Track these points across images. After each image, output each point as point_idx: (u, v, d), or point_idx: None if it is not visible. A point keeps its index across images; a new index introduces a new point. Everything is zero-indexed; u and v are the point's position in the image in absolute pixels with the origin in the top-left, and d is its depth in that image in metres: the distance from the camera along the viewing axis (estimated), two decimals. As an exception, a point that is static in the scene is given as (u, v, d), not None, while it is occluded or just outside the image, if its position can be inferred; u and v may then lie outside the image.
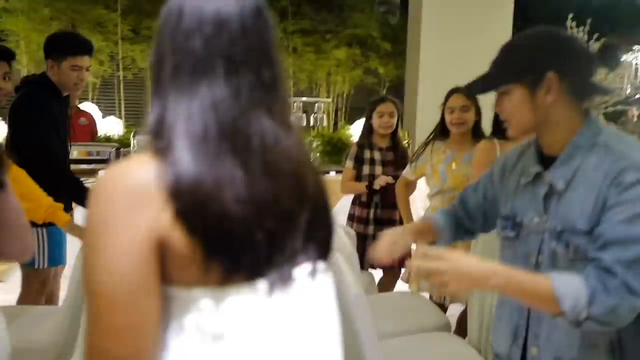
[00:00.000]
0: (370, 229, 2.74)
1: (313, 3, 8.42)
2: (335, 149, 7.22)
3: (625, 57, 4.70)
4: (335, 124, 8.31)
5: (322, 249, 0.69)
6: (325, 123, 7.13)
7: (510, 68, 1.08)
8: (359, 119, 6.62)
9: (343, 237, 2.07)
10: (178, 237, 0.57)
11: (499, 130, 1.81)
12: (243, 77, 0.62)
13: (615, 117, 4.32)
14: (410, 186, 2.65)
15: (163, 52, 0.63)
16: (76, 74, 2.13)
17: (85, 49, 2.17)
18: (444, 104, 2.33)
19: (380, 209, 2.74)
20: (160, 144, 0.60)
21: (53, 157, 2.09)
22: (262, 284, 0.61)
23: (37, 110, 2.07)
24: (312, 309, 0.66)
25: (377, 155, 2.74)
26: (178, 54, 0.62)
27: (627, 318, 0.93)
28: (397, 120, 2.74)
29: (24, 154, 1.78)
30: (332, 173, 4.57)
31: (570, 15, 2.84)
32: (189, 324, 0.59)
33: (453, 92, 2.32)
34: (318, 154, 6.87)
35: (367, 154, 2.74)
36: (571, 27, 2.84)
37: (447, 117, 2.31)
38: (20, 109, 2.09)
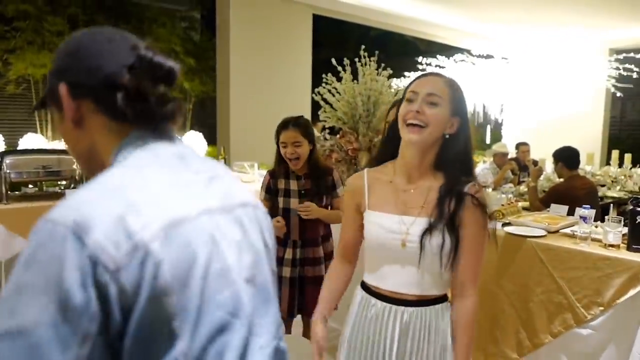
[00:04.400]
0: (294, 271, 2.38)
1: (108, 12, 7.94)
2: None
3: (398, 82, 5.60)
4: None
5: None
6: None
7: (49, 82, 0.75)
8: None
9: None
10: None
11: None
12: None
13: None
14: None
15: None
16: None
17: None
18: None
19: (300, 248, 2.39)
20: None
21: None
22: None
23: None
24: None
25: (293, 185, 2.39)
26: None
27: None
28: (313, 144, 2.37)
29: None
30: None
31: (363, 47, 3.25)
32: None
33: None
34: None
35: (281, 184, 2.40)
36: (364, 57, 3.27)
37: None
38: None
